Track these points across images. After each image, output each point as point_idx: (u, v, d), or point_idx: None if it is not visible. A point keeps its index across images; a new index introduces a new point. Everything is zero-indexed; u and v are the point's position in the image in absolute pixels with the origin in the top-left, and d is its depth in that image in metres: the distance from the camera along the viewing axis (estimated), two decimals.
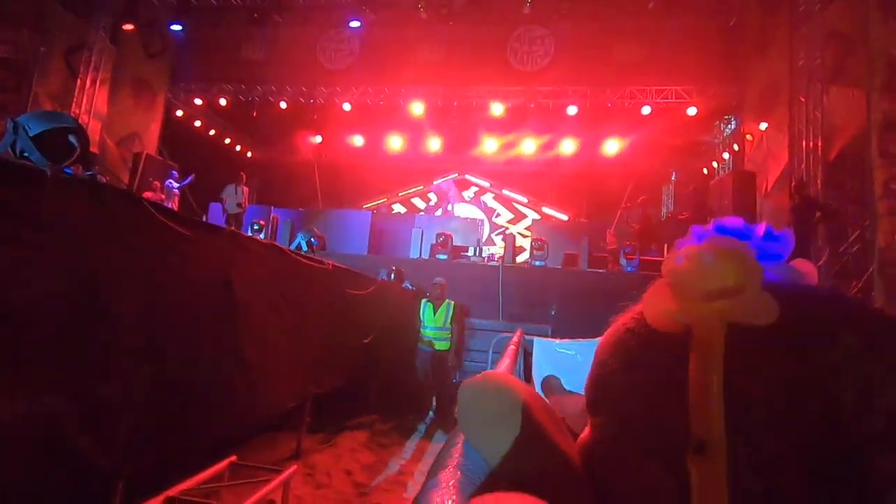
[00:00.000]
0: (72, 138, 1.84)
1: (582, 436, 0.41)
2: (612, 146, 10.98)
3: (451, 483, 0.38)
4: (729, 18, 9.12)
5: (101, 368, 1.85)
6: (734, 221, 0.35)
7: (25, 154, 1.81)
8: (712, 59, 9.20)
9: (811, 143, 6.81)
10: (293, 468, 2.66)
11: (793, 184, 6.86)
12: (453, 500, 0.36)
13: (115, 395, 1.90)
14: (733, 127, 9.90)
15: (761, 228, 0.35)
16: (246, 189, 9.28)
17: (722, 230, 0.35)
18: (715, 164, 10.63)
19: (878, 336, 0.28)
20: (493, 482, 0.40)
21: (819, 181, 6.65)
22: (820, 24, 6.89)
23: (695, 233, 0.36)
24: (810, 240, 6.19)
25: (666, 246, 7.52)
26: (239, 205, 9.06)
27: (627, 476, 0.32)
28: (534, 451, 0.42)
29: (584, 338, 4.73)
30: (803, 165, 6.86)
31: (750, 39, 8.84)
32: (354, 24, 10.14)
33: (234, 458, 2.68)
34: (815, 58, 6.92)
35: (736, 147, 9.66)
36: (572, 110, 10.13)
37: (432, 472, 0.42)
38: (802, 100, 7.02)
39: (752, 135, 8.98)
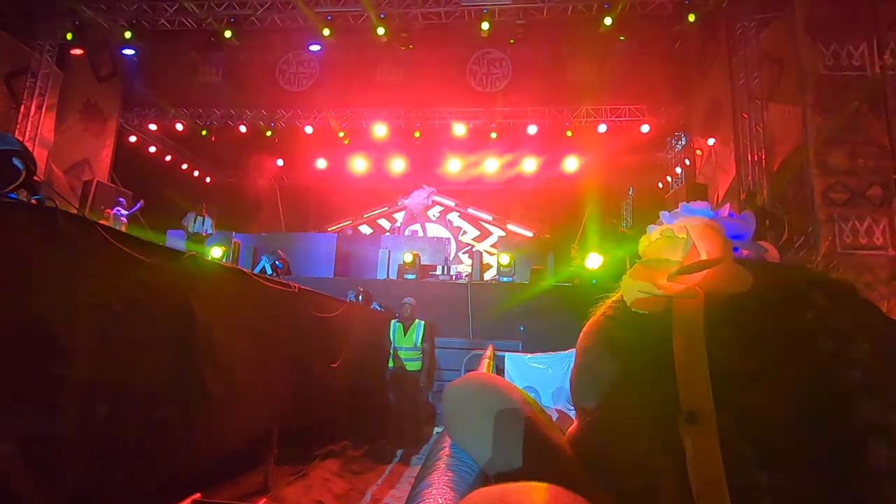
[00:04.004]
0: (16, 162, 1.74)
1: (570, 429, 0.41)
2: (571, 163, 11.33)
3: (443, 483, 0.37)
4: (673, 42, 9.69)
5: (48, 405, 1.72)
6: (701, 204, 0.37)
7: None
8: (661, 79, 9.72)
9: (756, 156, 7.24)
10: (261, 503, 2.54)
11: (742, 196, 7.25)
12: (447, 499, 0.35)
13: (64, 434, 1.77)
14: (684, 143, 10.43)
15: (726, 210, 0.37)
16: (210, 218, 9.00)
17: (690, 211, 0.36)
18: (669, 179, 11.13)
19: (844, 294, 0.30)
20: (485, 479, 0.39)
21: (765, 191, 7.06)
22: (755, 47, 7.43)
23: (664, 216, 0.37)
24: None
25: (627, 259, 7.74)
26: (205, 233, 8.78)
27: (622, 456, 0.32)
28: (523, 445, 0.42)
29: (554, 351, 4.79)
30: (750, 177, 7.28)
31: (693, 62, 9.43)
32: (314, 47, 10.15)
33: (198, 495, 2.53)
34: (753, 78, 7.43)
35: (687, 162, 10.16)
36: (532, 129, 10.43)
37: (422, 476, 0.40)
38: (745, 116, 7.49)
39: (701, 150, 9.48)
